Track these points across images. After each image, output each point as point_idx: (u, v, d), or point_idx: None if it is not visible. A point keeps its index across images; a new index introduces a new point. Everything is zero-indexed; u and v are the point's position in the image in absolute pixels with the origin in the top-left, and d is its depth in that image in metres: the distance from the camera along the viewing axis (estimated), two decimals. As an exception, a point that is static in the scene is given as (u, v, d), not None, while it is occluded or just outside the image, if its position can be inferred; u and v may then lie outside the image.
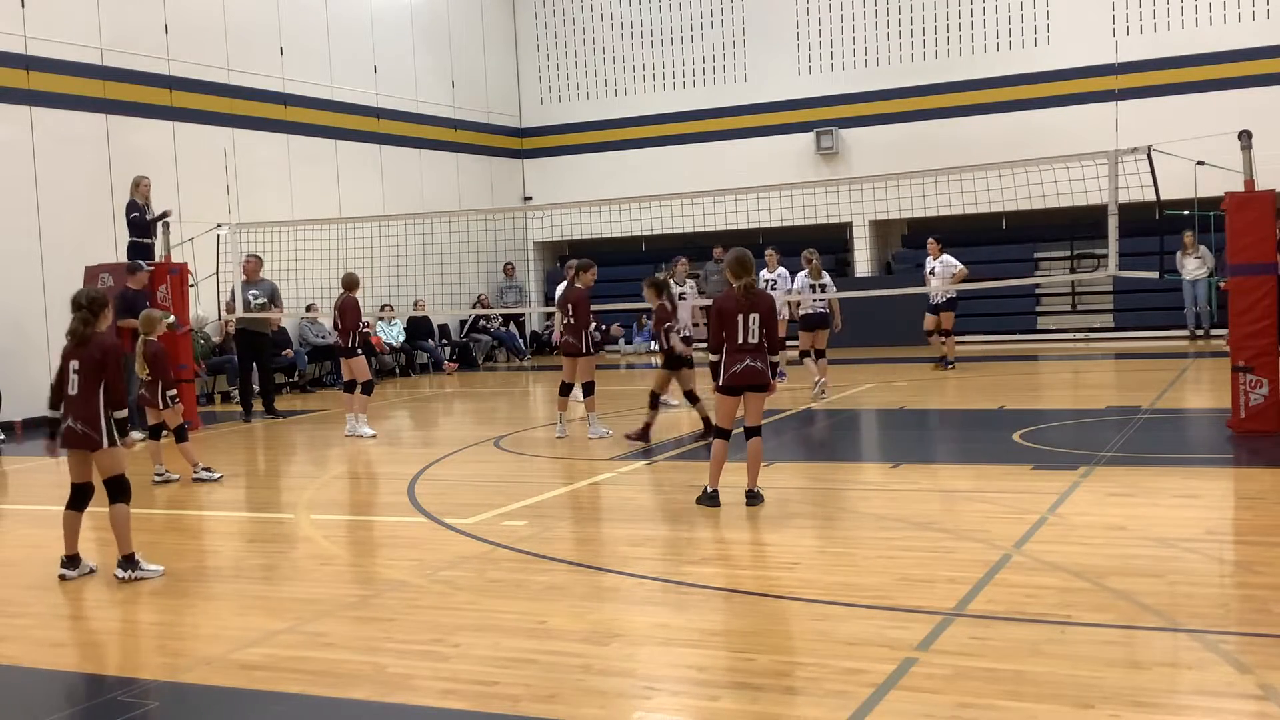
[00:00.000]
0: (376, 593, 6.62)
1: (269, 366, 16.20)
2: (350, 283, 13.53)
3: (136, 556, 7.20)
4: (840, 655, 5.18)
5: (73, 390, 7.20)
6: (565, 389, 12.38)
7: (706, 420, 11.21)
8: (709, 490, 8.40)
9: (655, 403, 11.70)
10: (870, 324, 21.64)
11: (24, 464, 12.86)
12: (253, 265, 15.79)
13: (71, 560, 7.28)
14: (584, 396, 12.39)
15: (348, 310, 13.34)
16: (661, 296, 11.83)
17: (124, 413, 7.27)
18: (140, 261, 14.21)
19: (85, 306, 7.29)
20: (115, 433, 7.21)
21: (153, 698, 5.08)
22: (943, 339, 17.53)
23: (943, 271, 17.26)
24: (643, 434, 11.56)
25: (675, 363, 11.60)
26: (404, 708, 4.85)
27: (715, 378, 8.40)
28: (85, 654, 5.92)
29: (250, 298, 15.60)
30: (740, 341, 8.22)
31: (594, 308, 12.70)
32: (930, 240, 17.69)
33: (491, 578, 6.80)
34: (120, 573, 7.14)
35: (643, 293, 12.13)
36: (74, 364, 7.22)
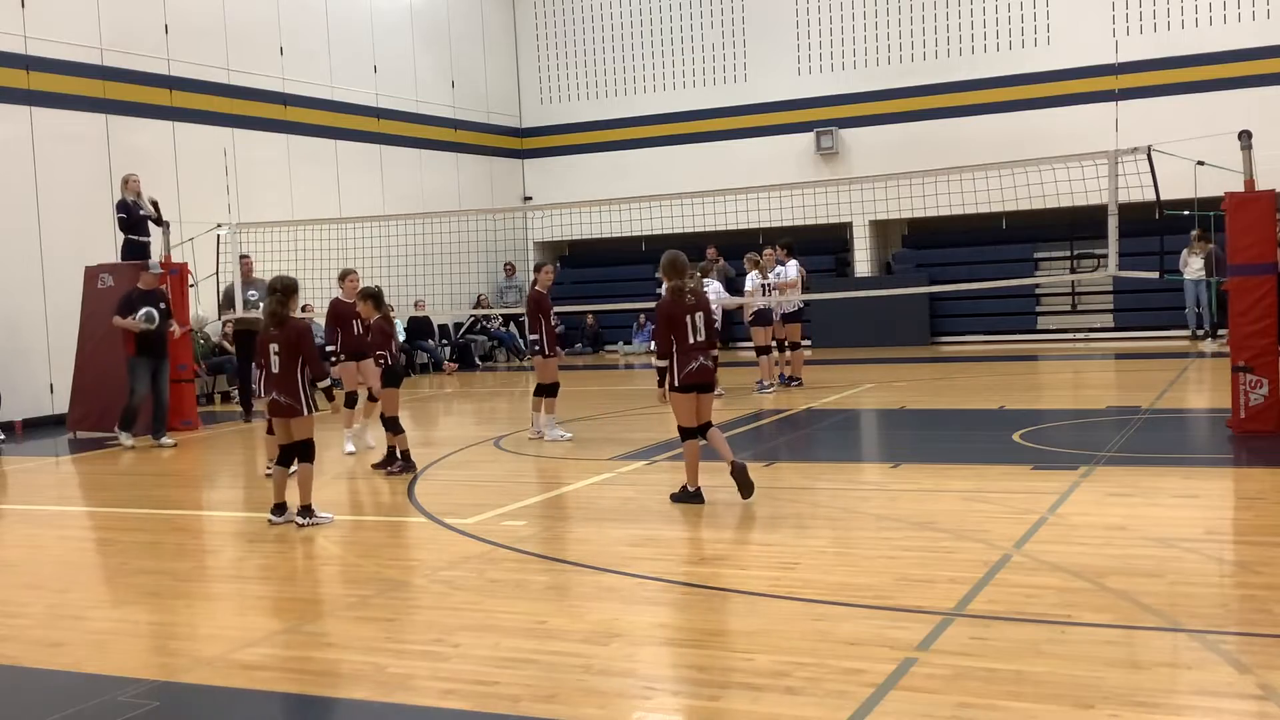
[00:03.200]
0: (376, 593, 6.62)
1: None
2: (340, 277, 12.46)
3: (313, 507, 8.38)
4: (840, 655, 5.18)
5: (275, 369, 8.42)
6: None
7: (396, 453, 10.56)
8: (689, 489, 8.51)
9: (397, 427, 10.60)
10: (870, 324, 21.69)
11: (24, 464, 12.86)
12: (249, 266, 15.74)
13: (279, 508, 8.52)
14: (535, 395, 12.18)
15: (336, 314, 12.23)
16: (380, 310, 10.72)
17: (326, 382, 8.58)
18: (153, 261, 14.15)
19: (280, 290, 8.48)
20: (313, 402, 8.45)
21: (153, 698, 5.08)
22: (785, 352, 16.00)
23: (775, 279, 15.72)
24: (403, 463, 10.60)
25: (397, 380, 10.80)
26: (404, 708, 4.85)
27: (664, 380, 8.52)
28: (85, 654, 5.92)
29: (248, 298, 15.55)
30: (691, 341, 8.39)
31: (593, 308, 12.77)
32: (778, 246, 16.08)
33: (491, 578, 6.80)
34: (300, 519, 8.34)
35: (358, 307, 11.13)
36: (274, 346, 8.43)
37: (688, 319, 8.41)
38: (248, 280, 15.62)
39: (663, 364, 8.51)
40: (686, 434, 8.57)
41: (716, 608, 6.06)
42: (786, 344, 15.99)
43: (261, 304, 15.18)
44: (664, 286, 8.78)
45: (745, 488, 8.38)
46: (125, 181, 14.85)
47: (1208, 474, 9.22)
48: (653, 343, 16.92)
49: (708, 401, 8.62)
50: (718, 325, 14.50)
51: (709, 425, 8.60)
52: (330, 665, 5.37)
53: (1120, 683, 4.67)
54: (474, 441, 12.49)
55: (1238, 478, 9.22)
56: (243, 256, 15.79)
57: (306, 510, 8.42)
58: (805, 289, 16.72)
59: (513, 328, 24.29)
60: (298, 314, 8.79)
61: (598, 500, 9.25)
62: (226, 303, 15.63)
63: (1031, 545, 6.89)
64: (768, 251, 15.72)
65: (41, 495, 10.93)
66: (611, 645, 5.46)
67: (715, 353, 8.63)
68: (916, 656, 5.04)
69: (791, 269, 15.96)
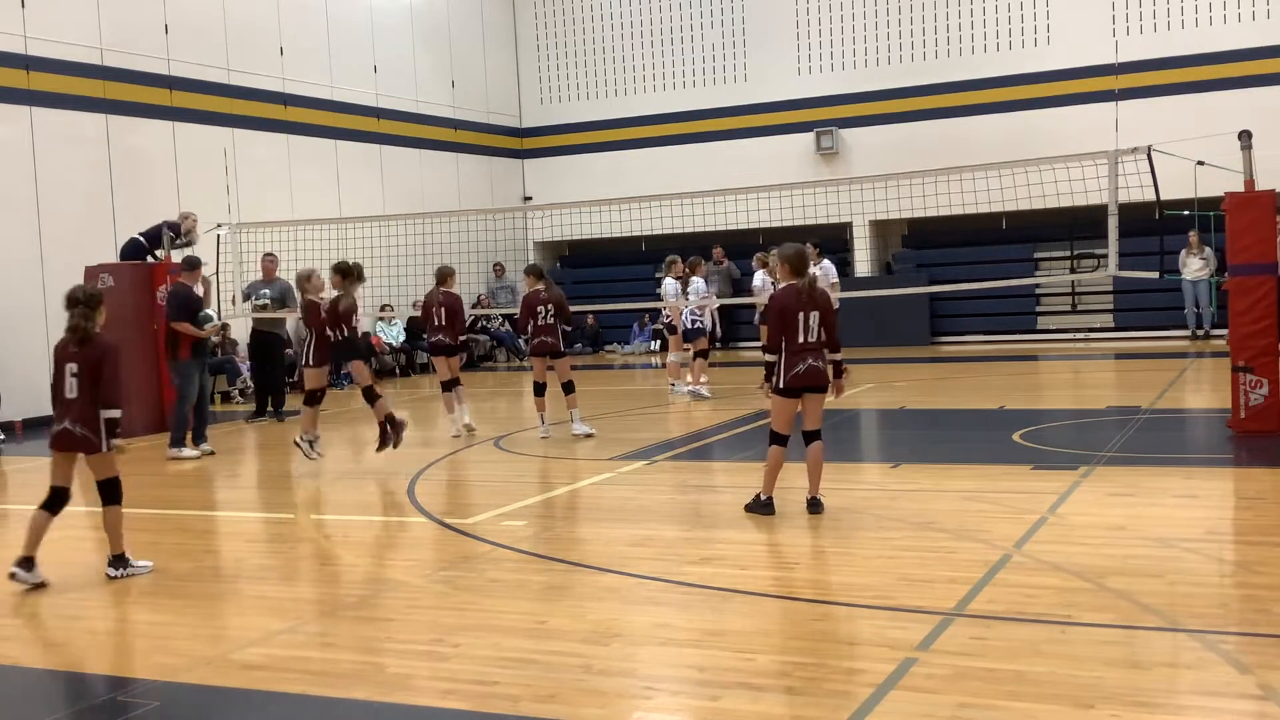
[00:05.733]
0: (376, 593, 6.62)
1: (279, 368, 16.23)
2: (445, 275, 13.18)
3: (127, 555, 7.21)
4: (840, 655, 5.18)
5: (71, 393, 7.02)
6: (540, 389, 12.48)
7: (387, 423, 10.81)
8: (762, 498, 8.09)
9: (373, 395, 10.88)
10: (870, 324, 21.67)
11: (24, 464, 12.85)
12: (270, 265, 15.73)
13: (27, 562, 6.99)
14: (565, 394, 12.34)
15: (459, 307, 13.13)
16: (344, 287, 11.01)
17: (116, 413, 7.05)
18: (197, 257, 14.10)
19: (83, 303, 7.07)
20: (108, 435, 7.03)
21: (153, 698, 5.08)
22: None
23: (823, 278, 16.34)
24: (392, 430, 10.86)
25: (356, 352, 11.11)
26: (404, 708, 4.85)
27: (769, 378, 8.07)
28: (85, 654, 5.92)
29: (259, 298, 15.59)
30: (801, 341, 7.92)
31: (593, 308, 12.89)
32: (808, 244, 16.94)
33: (491, 578, 6.80)
34: (112, 571, 7.12)
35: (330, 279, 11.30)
36: (71, 366, 7.02)
37: (801, 316, 7.88)
38: (269, 279, 15.62)
39: (771, 359, 8.02)
40: (775, 439, 8.05)
41: (716, 608, 6.06)
42: None
43: (269, 304, 15.39)
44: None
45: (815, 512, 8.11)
46: (185, 216, 14.75)
47: (1208, 474, 9.22)
48: (654, 343, 16.99)
49: (817, 403, 8.07)
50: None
51: (817, 435, 8.12)
52: (330, 665, 5.37)
53: (1120, 683, 4.67)
54: (474, 442, 12.49)
55: (1238, 478, 9.22)
56: (267, 255, 15.79)
57: (120, 560, 7.17)
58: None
59: (513, 327, 24.30)
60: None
61: (598, 500, 9.26)
62: (247, 300, 15.55)
63: (1031, 545, 6.89)
64: (774, 252, 15.68)
65: (41, 495, 10.91)
66: (611, 645, 5.46)
67: (839, 355, 8.18)
68: (916, 656, 5.04)
69: (831, 269, 16.48)
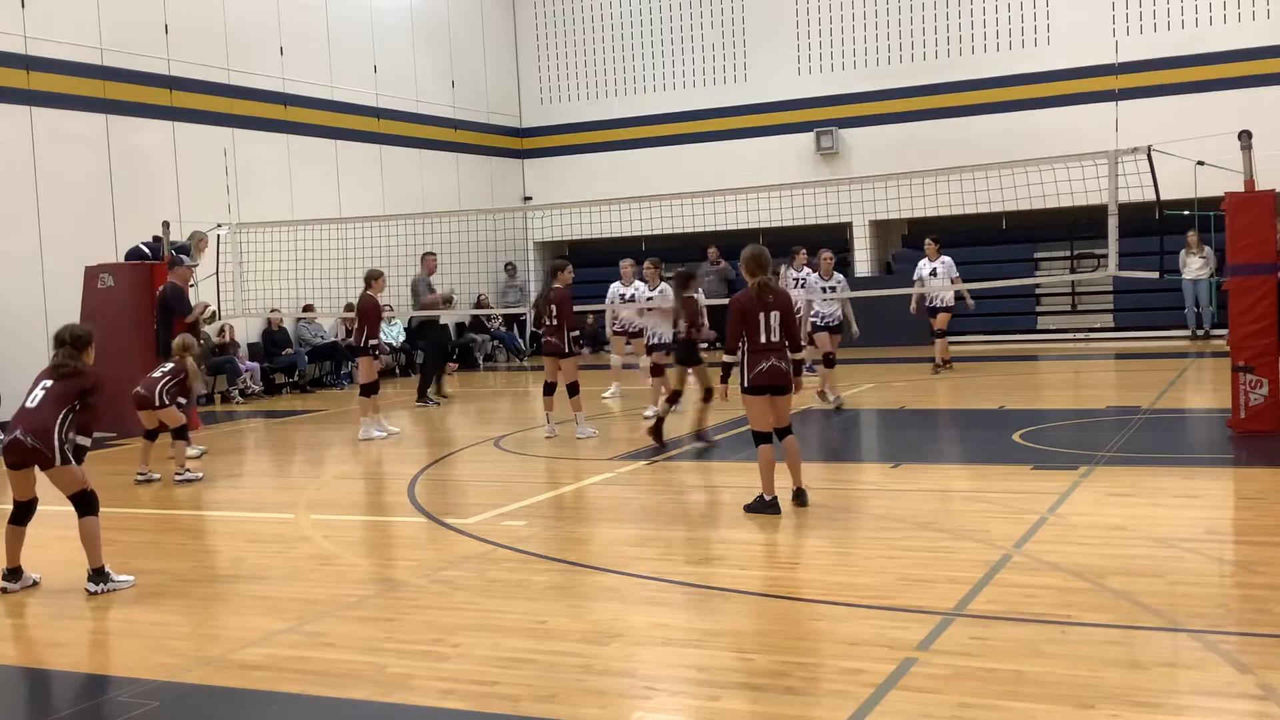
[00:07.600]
0: (376, 593, 6.62)
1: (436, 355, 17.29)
2: (369, 278, 13.50)
3: (107, 569, 6.94)
4: (840, 655, 5.18)
5: (31, 403, 6.82)
6: (550, 389, 12.49)
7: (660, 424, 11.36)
8: (765, 498, 8.09)
9: (676, 399, 11.66)
10: (870, 324, 21.62)
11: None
12: (433, 261, 16.50)
13: (13, 573, 7.02)
14: (570, 396, 12.38)
15: (367, 310, 13.29)
16: (688, 289, 11.58)
17: (88, 441, 6.95)
18: (183, 256, 14.09)
19: (68, 344, 6.96)
20: (71, 454, 6.82)
21: (153, 698, 5.08)
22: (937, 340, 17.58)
23: (945, 273, 17.23)
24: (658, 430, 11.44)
25: (691, 359, 11.53)
26: (404, 708, 4.85)
27: (726, 378, 8.12)
28: (85, 654, 5.92)
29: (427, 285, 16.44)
30: (762, 341, 8.01)
31: (593, 308, 12.87)
32: (929, 240, 17.65)
33: (491, 578, 6.80)
34: (92, 587, 6.84)
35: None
36: (46, 382, 6.90)
37: (761, 317, 7.98)
38: (430, 271, 16.52)
39: (729, 360, 8.12)
40: (759, 438, 8.14)
41: (716, 608, 6.06)
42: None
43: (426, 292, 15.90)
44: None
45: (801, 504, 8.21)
46: (198, 240, 14.73)
47: (1208, 474, 9.22)
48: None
49: (783, 404, 8.17)
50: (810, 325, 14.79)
51: (788, 431, 8.20)
52: (330, 665, 5.37)
53: (1120, 683, 4.67)
54: (474, 441, 12.49)
55: (1238, 478, 9.22)
56: (429, 253, 16.56)
57: (100, 574, 6.87)
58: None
59: (515, 328, 24.29)
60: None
61: (598, 500, 9.26)
62: (426, 290, 16.32)
63: (1031, 545, 6.89)
64: (825, 254, 15.42)
65: (41, 495, 10.91)
66: (611, 645, 5.46)
67: (801, 355, 8.27)
68: (916, 656, 5.05)
69: (951, 264, 17.32)
